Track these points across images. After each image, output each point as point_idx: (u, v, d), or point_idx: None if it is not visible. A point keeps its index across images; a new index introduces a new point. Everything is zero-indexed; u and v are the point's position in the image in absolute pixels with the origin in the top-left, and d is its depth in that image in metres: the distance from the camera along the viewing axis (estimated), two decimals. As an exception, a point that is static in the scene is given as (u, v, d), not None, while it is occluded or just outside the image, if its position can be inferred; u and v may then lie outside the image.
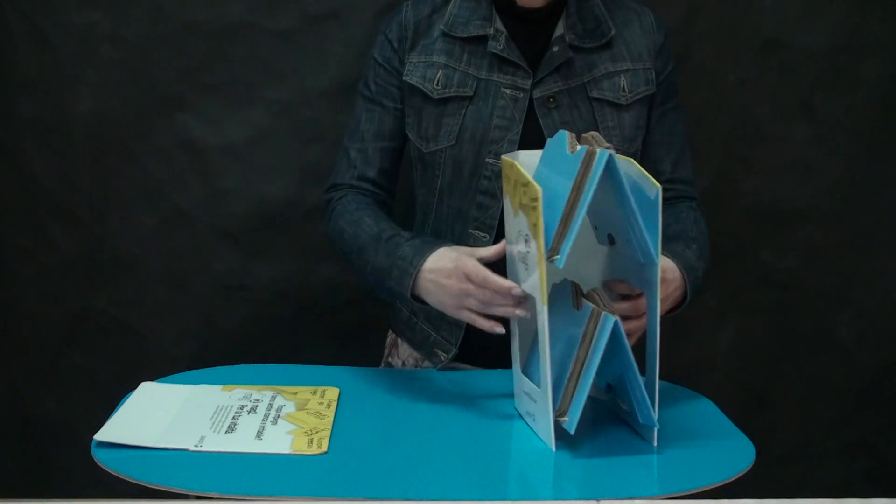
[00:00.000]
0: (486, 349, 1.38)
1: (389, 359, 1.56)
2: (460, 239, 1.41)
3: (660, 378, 1.15)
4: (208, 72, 1.78)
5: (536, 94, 1.38)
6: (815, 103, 1.85)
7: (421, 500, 1.03)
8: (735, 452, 1.16)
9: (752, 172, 1.86)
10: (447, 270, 1.23)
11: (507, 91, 1.37)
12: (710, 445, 1.18)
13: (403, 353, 1.53)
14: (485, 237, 1.39)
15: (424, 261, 1.26)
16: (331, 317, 1.86)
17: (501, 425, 1.22)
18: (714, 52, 1.82)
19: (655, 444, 1.16)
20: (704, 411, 1.31)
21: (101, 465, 1.11)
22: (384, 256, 1.31)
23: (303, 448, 1.14)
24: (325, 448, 1.14)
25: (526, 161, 1.23)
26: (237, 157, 1.80)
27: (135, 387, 1.35)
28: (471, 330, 1.39)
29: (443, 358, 1.44)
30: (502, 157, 1.22)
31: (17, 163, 1.82)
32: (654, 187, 1.12)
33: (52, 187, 1.82)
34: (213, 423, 1.21)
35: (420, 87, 1.40)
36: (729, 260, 1.89)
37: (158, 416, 1.22)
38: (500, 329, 1.20)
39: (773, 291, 1.92)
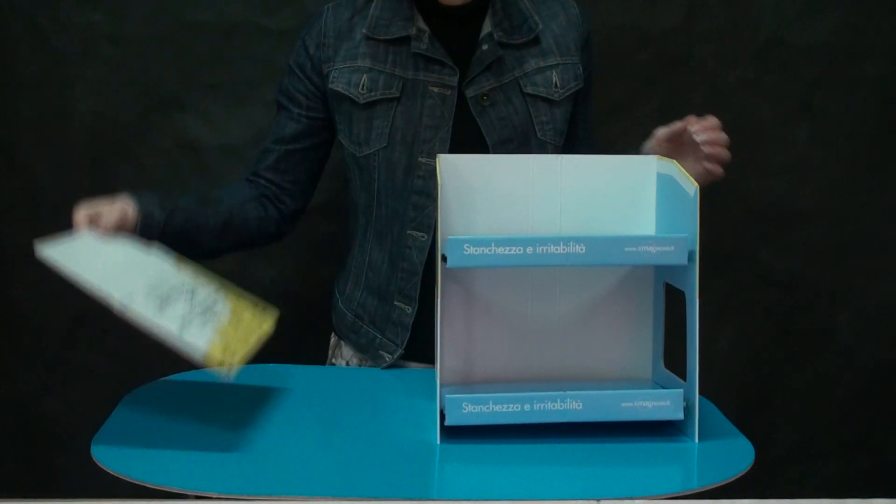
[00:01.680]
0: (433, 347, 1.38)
1: (333, 360, 1.56)
2: (399, 240, 1.41)
3: (660, 378, 1.16)
4: (208, 72, 1.78)
5: (470, 93, 1.38)
6: (815, 103, 1.85)
7: (422, 499, 1.03)
8: (735, 452, 1.17)
9: (752, 172, 1.86)
10: None
11: (435, 90, 1.37)
12: (710, 445, 1.18)
13: (347, 354, 1.53)
14: (423, 237, 1.39)
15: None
16: (330, 317, 1.86)
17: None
18: (714, 52, 1.82)
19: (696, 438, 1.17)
20: (704, 411, 1.31)
21: (100, 466, 1.11)
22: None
23: (216, 359, 1.12)
24: (235, 370, 1.12)
25: (457, 164, 1.23)
26: (237, 157, 1.80)
27: (135, 387, 1.36)
28: (417, 329, 1.41)
29: (387, 360, 1.44)
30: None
31: (17, 163, 1.82)
32: (692, 186, 1.14)
33: (52, 187, 1.82)
34: (149, 290, 1.19)
35: (346, 93, 1.40)
36: (729, 260, 1.89)
37: (105, 257, 1.22)
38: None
39: (773, 291, 1.92)
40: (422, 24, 1.39)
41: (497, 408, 1.16)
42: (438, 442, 1.16)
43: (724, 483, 1.09)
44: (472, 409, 1.16)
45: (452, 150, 1.37)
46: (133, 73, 1.77)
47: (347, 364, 1.52)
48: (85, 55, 1.77)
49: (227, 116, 1.79)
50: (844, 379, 1.96)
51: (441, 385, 1.18)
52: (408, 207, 1.40)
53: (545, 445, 1.16)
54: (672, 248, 1.15)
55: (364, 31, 1.40)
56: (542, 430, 1.18)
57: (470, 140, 1.37)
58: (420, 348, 1.43)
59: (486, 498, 1.04)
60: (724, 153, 1.35)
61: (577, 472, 1.10)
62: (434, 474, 1.12)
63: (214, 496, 1.03)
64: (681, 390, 1.18)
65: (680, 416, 1.17)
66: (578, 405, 1.16)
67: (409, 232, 1.40)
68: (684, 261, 1.16)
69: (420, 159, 1.38)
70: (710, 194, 1.82)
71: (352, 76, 1.39)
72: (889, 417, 1.97)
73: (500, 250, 1.14)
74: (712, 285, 1.89)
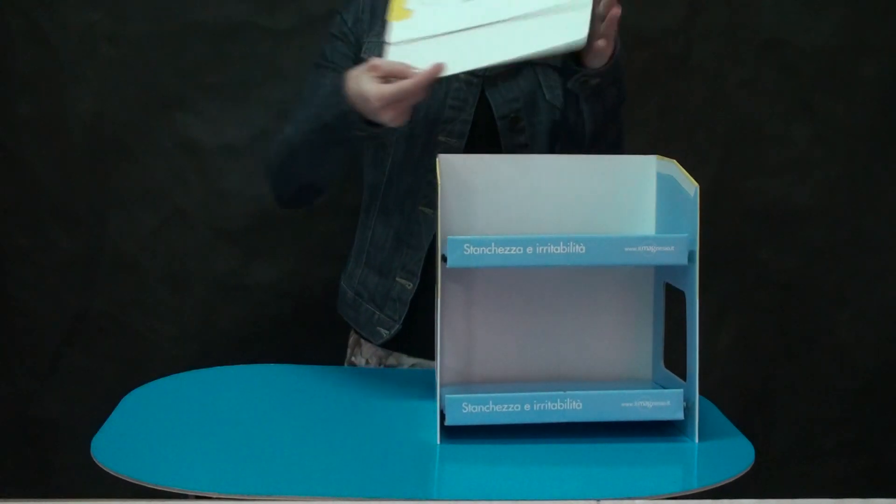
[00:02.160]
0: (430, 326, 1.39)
1: (353, 358, 1.56)
2: (410, 215, 1.43)
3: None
4: (208, 72, 1.78)
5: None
6: (815, 103, 1.85)
7: (423, 500, 1.03)
8: (735, 453, 1.17)
9: (752, 172, 1.86)
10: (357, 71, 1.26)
11: (462, 75, 1.39)
12: (710, 445, 1.18)
13: (367, 353, 1.53)
14: (433, 213, 1.40)
15: (344, 78, 1.28)
16: (331, 317, 1.86)
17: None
18: (714, 52, 1.82)
19: (697, 439, 1.17)
20: (704, 411, 1.31)
21: (100, 466, 1.11)
22: (309, 106, 1.36)
23: None
24: None
25: (457, 164, 1.24)
26: (237, 157, 1.80)
27: (135, 387, 1.36)
28: (415, 305, 1.42)
29: (384, 335, 1.45)
30: None
31: (17, 163, 1.82)
32: (692, 186, 1.14)
33: (52, 187, 1.82)
34: None
35: None
36: (729, 260, 1.89)
37: None
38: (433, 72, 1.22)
39: (773, 291, 1.92)
40: None
41: (497, 408, 1.16)
42: (438, 442, 1.16)
43: (724, 483, 1.09)
44: (472, 409, 1.16)
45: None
46: (133, 73, 1.78)
47: (367, 363, 1.53)
48: (85, 55, 1.77)
49: (227, 116, 1.79)
50: (844, 379, 1.96)
51: (441, 385, 1.18)
52: (422, 183, 1.41)
53: (545, 446, 1.16)
54: (672, 248, 1.15)
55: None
56: (543, 430, 1.18)
57: (486, 120, 1.40)
58: (418, 327, 1.44)
59: (486, 498, 1.04)
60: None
61: (578, 473, 1.10)
62: (434, 474, 1.12)
63: (214, 496, 1.03)
64: (681, 390, 1.18)
65: (680, 416, 1.17)
66: (578, 405, 1.16)
67: (420, 208, 1.42)
68: (684, 261, 1.16)
69: (440, 138, 1.40)
70: (711, 194, 1.83)
71: (382, 50, 1.40)
72: (889, 417, 1.97)
73: (500, 250, 1.14)
74: (712, 285, 1.89)
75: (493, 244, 1.14)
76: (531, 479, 1.09)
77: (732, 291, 1.91)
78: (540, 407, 1.16)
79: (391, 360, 1.50)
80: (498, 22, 1.26)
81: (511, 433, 1.17)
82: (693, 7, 1.80)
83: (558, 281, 1.27)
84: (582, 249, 1.14)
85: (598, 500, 1.00)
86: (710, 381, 1.89)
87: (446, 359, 1.25)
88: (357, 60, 1.44)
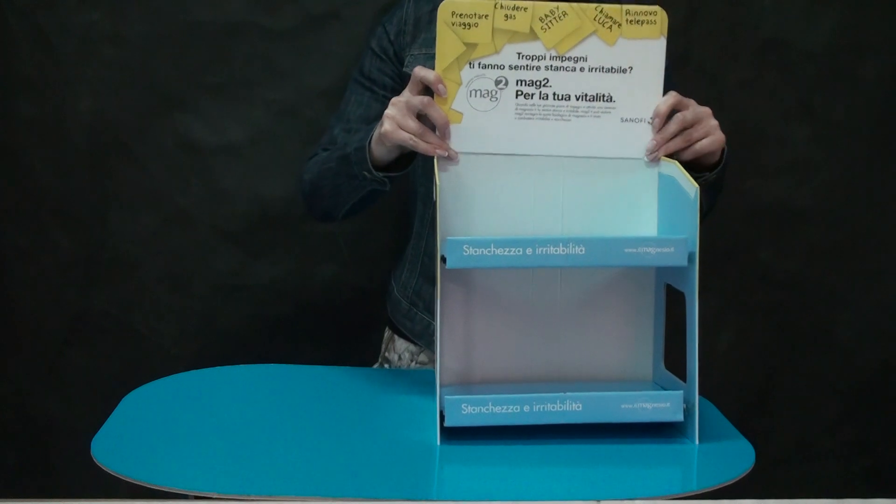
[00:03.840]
0: None
1: (386, 353, 1.58)
2: None
3: (660, 378, 1.16)
4: (208, 72, 1.78)
5: None
6: (815, 103, 1.85)
7: (423, 500, 1.03)
8: (735, 454, 1.17)
9: (752, 172, 1.86)
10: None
11: None
12: (711, 446, 1.18)
13: (400, 348, 1.55)
14: None
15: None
16: (331, 317, 1.86)
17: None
18: (714, 52, 1.82)
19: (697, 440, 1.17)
20: (704, 412, 1.31)
21: (100, 466, 1.11)
22: (343, 148, 1.35)
23: None
24: None
25: (457, 164, 1.24)
26: (237, 157, 1.80)
27: (135, 387, 1.36)
28: None
29: None
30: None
31: (17, 163, 1.82)
32: (693, 188, 1.14)
33: (52, 187, 1.82)
34: None
35: None
36: (729, 260, 1.89)
37: None
38: (442, 152, 1.21)
39: (773, 291, 1.92)
40: None
41: (496, 409, 1.16)
42: (438, 443, 1.16)
43: (724, 485, 1.09)
44: (471, 410, 1.16)
45: None
46: (133, 73, 1.77)
47: (400, 358, 1.54)
48: (85, 55, 1.77)
49: (227, 116, 1.79)
50: (844, 379, 1.96)
51: (441, 386, 1.18)
52: None
53: (545, 446, 1.16)
54: (672, 249, 1.15)
55: None
56: (543, 430, 1.18)
57: None
58: None
59: (486, 499, 1.04)
60: (688, 143, 1.25)
61: (578, 473, 1.10)
62: (434, 475, 1.12)
63: (214, 496, 1.04)
64: (681, 392, 1.18)
65: (680, 417, 1.17)
66: (578, 406, 1.16)
67: None
68: (684, 262, 1.16)
69: None
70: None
71: (426, 63, 1.41)
72: (889, 417, 1.97)
73: (499, 251, 1.14)
74: (712, 285, 1.89)
75: (492, 245, 1.14)
76: (531, 480, 1.09)
77: (732, 291, 1.91)
78: (540, 408, 1.16)
79: (423, 357, 1.51)
80: (555, 156, 1.25)
81: (511, 434, 1.17)
82: (693, 7, 1.80)
83: (559, 282, 1.27)
84: (582, 251, 1.14)
85: (599, 500, 1.00)
86: (710, 381, 1.89)
87: (446, 359, 1.26)
88: (396, 76, 1.45)
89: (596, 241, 1.15)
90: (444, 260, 1.14)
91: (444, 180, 1.20)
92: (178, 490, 1.05)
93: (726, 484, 1.09)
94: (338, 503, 1.03)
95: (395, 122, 1.22)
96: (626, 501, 1.03)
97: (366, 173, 1.29)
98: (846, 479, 2.00)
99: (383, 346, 1.61)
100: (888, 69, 1.85)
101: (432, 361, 1.49)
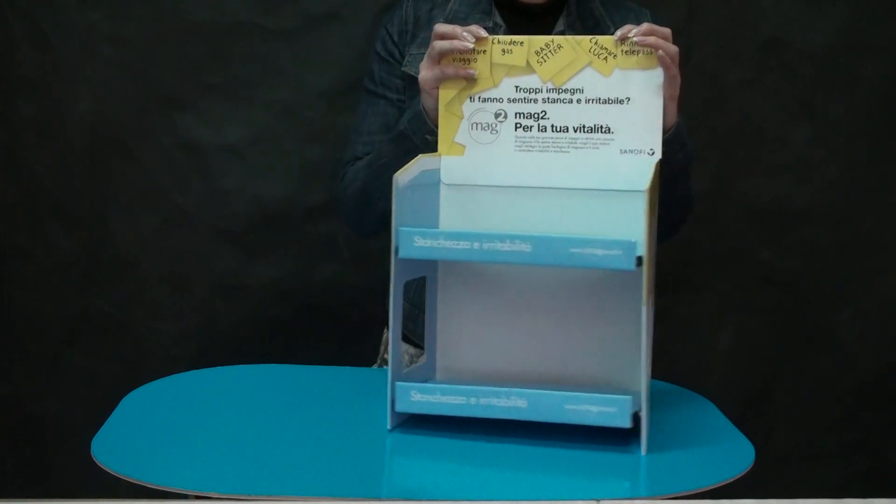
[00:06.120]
0: None
1: (385, 354, 1.57)
2: None
3: (660, 379, 1.13)
4: (208, 72, 1.78)
5: None
6: (815, 103, 1.85)
7: (427, 500, 1.03)
8: (735, 454, 1.16)
9: (752, 172, 1.86)
10: None
11: None
12: (710, 446, 1.18)
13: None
14: None
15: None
16: (331, 317, 1.86)
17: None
18: (714, 52, 1.82)
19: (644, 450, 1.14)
20: (704, 412, 1.31)
21: (101, 466, 1.11)
22: (395, 129, 1.36)
23: None
24: None
25: (457, 163, 1.25)
26: (237, 157, 1.80)
27: (135, 387, 1.36)
28: None
29: None
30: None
31: (17, 163, 1.82)
32: (644, 185, 1.13)
33: (52, 187, 1.82)
34: None
35: (418, 76, 1.41)
36: (729, 260, 1.89)
37: None
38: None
39: (773, 291, 1.92)
40: (498, 19, 1.42)
41: (444, 399, 1.17)
42: (389, 428, 1.18)
43: (723, 484, 1.09)
44: (420, 397, 1.17)
45: None
46: (133, 73, 1.78)
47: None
48: (85, 55, 1.77)
49: (227, 116, 1.79)
50: (845, 379, 1.96)
51: (395, 379, 1.19)
52: None
53: (545, 448, 1.16)
54: (619, 251, 1.11)
55: (442, 21, 1.42)
56: (543, 431, 1.18)
57: None
58: None
59: (487, 499, 1.04)
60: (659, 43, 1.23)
61: (577, 473, 1.10)
62: (434, 476, 1.12)
63: (214, 496, 1.04)
64: (629, 397, 1.14)
65: (626, 424, 1.13)
66: (523, 403, 1.15)
67: None
68: (631, 266, 1.11)
69: None
70: (711, 194, 1.83)
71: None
72: (889, 417, 1.97)
73: (448, 244, 1.14)
74: (712, 285, 1.89)
75: (441, 238, 1.15)
76: (531, 481, 1.09)
77: (732, 291, 1.91)
78: (486, 402, 1.16)
79: (422, 359, 1.50)
80: (555, 188, 1.25)
81: (511, 434, 1.18)
82: (693, 7, 1.80)
83: (551, 283, 1.26)
84: (527, 248, 1.13)
85: (598, 500, 1.00)
86: (710, 381, 1.91)
87: (439, 358, 1.26)
88: (401, 77, 1.45)
89: (541, 240, 1.13)
90: (397, 251, 1.15)
91: (444, 180, 1.21)
92: (178, 490, 1.05)
93: (725, 483, 1.09)
94: (338, 503, 1.03)
95: (427, 66, 1.25)
96: (626, 501, 1.03)
97: (428, 136, 1.29)
98: (846, 479, 2.00)
99: (382, 347, 1.60)
100: (889, 69, 1.85)
101: None
